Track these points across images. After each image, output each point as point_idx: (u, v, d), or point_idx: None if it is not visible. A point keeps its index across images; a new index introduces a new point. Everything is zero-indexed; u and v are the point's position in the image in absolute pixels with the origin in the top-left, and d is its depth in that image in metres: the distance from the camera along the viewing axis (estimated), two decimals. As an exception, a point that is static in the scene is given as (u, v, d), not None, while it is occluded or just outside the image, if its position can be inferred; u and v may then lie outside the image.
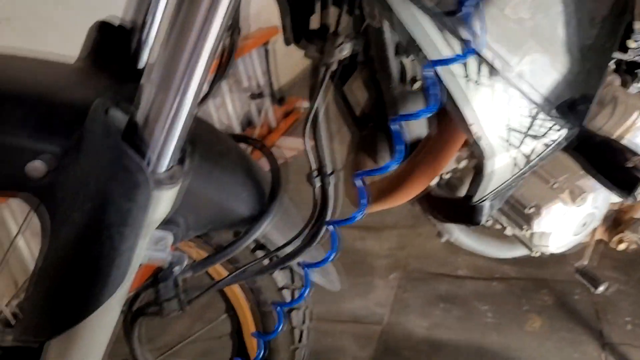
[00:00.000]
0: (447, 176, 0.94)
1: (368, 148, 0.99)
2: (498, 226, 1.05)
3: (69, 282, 0.54)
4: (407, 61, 0.81)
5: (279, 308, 0.71)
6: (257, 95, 2.71)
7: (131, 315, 0.63)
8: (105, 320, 0.59)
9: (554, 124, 0.63)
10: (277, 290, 0.77)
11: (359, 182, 0.63)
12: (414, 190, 0.85)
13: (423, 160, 0.82)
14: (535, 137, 0.64)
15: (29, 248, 1.33)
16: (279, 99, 2.91)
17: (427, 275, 1.65)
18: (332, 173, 0.63)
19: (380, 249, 1.81)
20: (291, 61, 3.41)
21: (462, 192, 0.90)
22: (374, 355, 1.37)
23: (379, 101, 0.90)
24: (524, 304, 1.47)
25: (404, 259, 1.73)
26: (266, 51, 2.95)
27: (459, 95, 0.61)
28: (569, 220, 0.91)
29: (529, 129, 0.63)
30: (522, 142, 0.64)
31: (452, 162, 0.90)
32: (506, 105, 0.64)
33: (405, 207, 2.03)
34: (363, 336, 1.44)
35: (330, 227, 0.64)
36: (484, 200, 0.76)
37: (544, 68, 0.65)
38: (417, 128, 0.88)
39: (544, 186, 0.89)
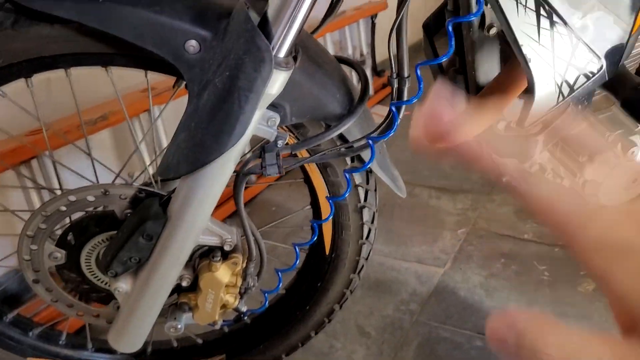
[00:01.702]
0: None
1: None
2: (559, 180, 1.16)
3: (205, 130, 0.74)
4: (487, 9, 0.95)
5: (348, 175, 0.88)
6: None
7: (241, 175, 0.83)
8: (223, 169, 0.79)
9: (594, 57, 0.75)
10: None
11: (417, 70, 0.77)
12: (481, 123, 0.98)
13: (490, 97, 0.95)
14: (578, 67, 0.76)
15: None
16: (378, 71, 3.07)
17: (493, 234, 1.76)
18: (408, 76, 0.79)
19: (453, 208, 1.94)
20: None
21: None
22: (433, 291, 1.52)
23: (460, 46, 1.03)
24: (581, 269, 1.55)
25: (474, 219, 1.85)
26: (373, 24, 3.11)
27: (514, 21, 0.74)
28: (620, 173, 1.01)
29: (572, 58, 0.76)
30: (566, 71, 0.77)
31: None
32: (553, 35, 0.76)
33: (482, 175, 2.14)
34: (424, 275, 1.59)
35: (393, 109, 0.80)
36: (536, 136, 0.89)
37: (601, 21, 0.77)
38: (488, 73, 1.01)
39: (599, 138, 1.00)
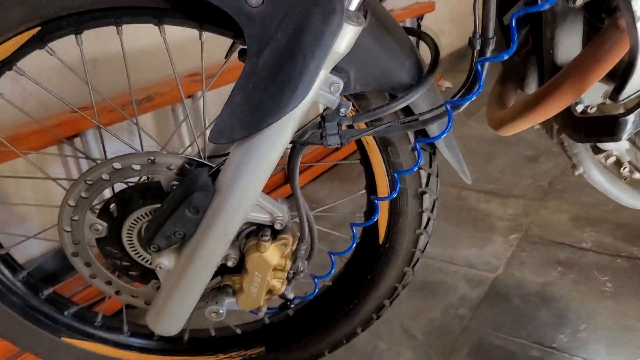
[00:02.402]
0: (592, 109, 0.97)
1: (516, 75, 1.05)
2: (637, 175, 1.06)
3: (264, 91, 0.68)
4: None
5: (419, 145, 0.81)
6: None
7: (298, 146, 0.76)
8: (281, 135, 0.73)
9: None
10: (411, 150, 0.87)
11: (512, 22, 0.70)
12: (558, 104, 0.90)
13: (571, 75, 0.87)
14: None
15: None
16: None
17: (548, 242, 1.65)
18: (492, 37, 0.71)
19: (504, 213, 1.84)
20: (440, 41, 3.46)
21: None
22: (484, 297, 1.42)
23: (536, 24, 0.96)
24: (648, 282, 1.44)
25: (527, 225, 1.75)
26: (419, 25, 3.05)
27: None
28: None
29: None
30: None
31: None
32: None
33: (534, 180, 2.02)
34: (475, 279, 1.50)
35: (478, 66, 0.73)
36: (628, 114, 0.80)
37: None
38: (569, 51, 0.93)
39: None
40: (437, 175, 0.94)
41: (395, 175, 0.82)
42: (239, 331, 1.14)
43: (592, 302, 1.39)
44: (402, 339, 1.29)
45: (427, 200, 0.93)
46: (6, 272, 1.01)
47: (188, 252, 0.83)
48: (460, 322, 1.34)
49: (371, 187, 0.94)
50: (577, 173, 1.08)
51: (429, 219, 0.96)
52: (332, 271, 0.91)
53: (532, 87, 1.03)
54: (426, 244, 0.99)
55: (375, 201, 0.87)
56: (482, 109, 2.77)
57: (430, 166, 0.91)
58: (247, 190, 0.78)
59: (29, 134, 1.17)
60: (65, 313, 1.07)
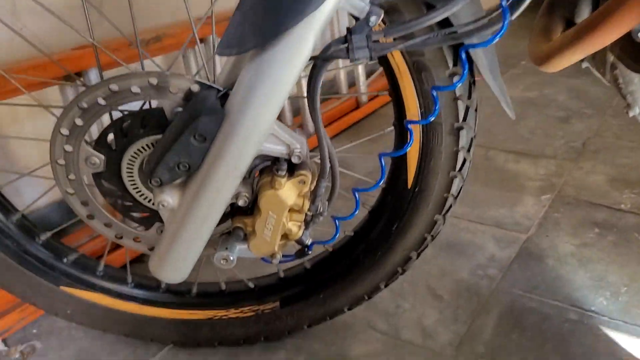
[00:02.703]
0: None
1: (566, 1, 0.93)
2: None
3: (281, -12, 0.57)
4: None
5: (464, 54, 0.70)
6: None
7: (320, 61, 0.66)
8: (300, 45, 0.62)
9: None
10: (448, 77, 0.76)
11: None
12: (617, 28, 0.78)
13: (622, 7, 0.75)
14: None
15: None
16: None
17: (583, 202, 1.54)
18: None
19: (535, 173, 1.72)
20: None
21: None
22: (515, 258, 1.32)
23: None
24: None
25: (560, 185, 1.63)
26: None
27: None
28: None
29: None
30: None
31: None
32: None
33: (566, 141, 1.90)
34: (504, 240, 1.39)
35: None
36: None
37: None
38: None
39: None
40: (475, 110, 0.83)
41: (434, 92, 0.71)
42: (251, 285, 1.05)
43: (634, 265, 1.28)
44: (427, 299, 1.20)
45: (463, 138, 0.82)
46: (-1, 212, 0.93)
47: (194, 188, 0.74)
48: (490, 282, 1.24)
49: (400, 121, 0.84)
50: (631, 114, 0.96)
51: (464, 160, 0.85)
52: (356, 212, 0.80)
53: (584, 13, 0.91)
54: (460, 189, 0.89)
55: (409, 125, 0.76)
56: (509, 71, 2.63)
57: (469, 97, 0.80)
58: (261, 114, 0.68)
59: (28, 68, 1.08)
60: (65, 260, 0.99)
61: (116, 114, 0.78)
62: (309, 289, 1.02)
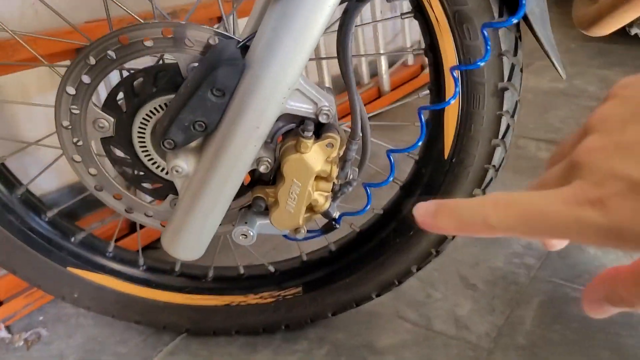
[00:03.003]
0: None
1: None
2: None
3: None
4: None
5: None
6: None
7: (354, 2, 0.58)
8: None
9: None
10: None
11: None
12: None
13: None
14: None
15: None
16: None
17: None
18: None
19: (569, 161, 1.63)
20: None
21: None
22: (551, 247, 1.23)
23: None
24: None
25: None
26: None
27: None
28: None
29: None
30: None
31: None
32: None
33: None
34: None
35: None
36: None
37: None
38: None
39: None
40: (521, 70, 0.75)
41: (484, 31, 0.63)
42: (272, 269, 0.97)
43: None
44: (460, 288, 1.11)
45: (508, 100, 0.74)
46: (0, 186, 0.86)
47: (211, 151, 0.67)
48: (527, 271, 1.15)
49: (438, 82, 0.76)
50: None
51: (508, 126, 0.77)
52: (392, 176, 0.72)
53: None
54: (502, 161, 0.80)
55: (454, 72, 0.68)
56: (535, 63, 2.53)
57: (515, 54, 0.72)
58: (286, 63, 0.60)
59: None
60: (72, 239, 0.93)
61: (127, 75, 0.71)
62: (334, 273, 0.94)
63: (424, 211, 0.30)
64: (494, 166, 0.79)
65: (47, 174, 0.93)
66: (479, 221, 0.28)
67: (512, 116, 0.76)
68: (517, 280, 1.12)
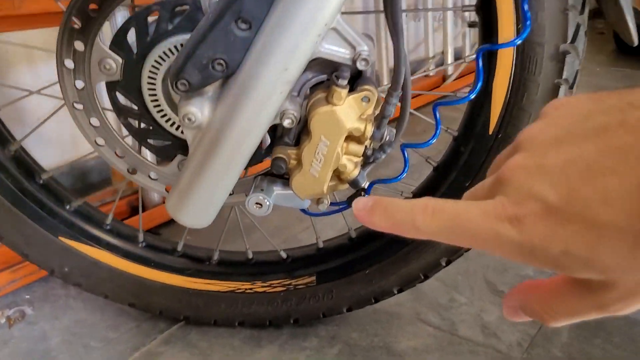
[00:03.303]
0: None
1: None
2: None
3: None
4: None
5: None
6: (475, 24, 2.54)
7: None
8: None
9: None
10: None
11: None
12: None
13: None
14: None
15: None
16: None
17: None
18: None
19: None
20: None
21: None
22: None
23: None
24: None
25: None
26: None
27: None
28: None
29: None
30: None
31: None
32: None
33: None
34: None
35: None
36: None
37: None
38: None
39: None
40: (585, 33, 0.66)
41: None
42: (284, 255, 0.88)
43: None
44: (487, 294, 1.01)
45: (569, 66, 0.65)
46: (-8, 139, 0.78)
47: (230, 96, 0.58)
48: (559, 281, 1.05)
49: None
50: None
51: (565, 99, 0.68)
52: (438, 133, 0.63)
53: None
54: (554, 140, 0.71)
55: (525, 5, 0.58)
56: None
57: (582, 11, 0.64)
58: (324, -6, 0.52)
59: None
60: (67, 207, 0.84)
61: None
62: (353, 263, 0.85)
63: (362, 205, 0.32)
64: (544, 145, 0.70)
65: (46, 149, 0.85)
66: (408, 223, 0.30)
67: (571, 87, 0.67)
68: (549, 289, 1.02)
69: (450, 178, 0.76)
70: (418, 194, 0.81)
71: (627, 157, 0.24)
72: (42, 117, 0.82)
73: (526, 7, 0.57)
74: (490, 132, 0.71)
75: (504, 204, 0.27)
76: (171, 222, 1.24)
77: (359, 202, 0.33)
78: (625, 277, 0.27)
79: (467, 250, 0.81)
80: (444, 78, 2.24)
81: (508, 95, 0.68)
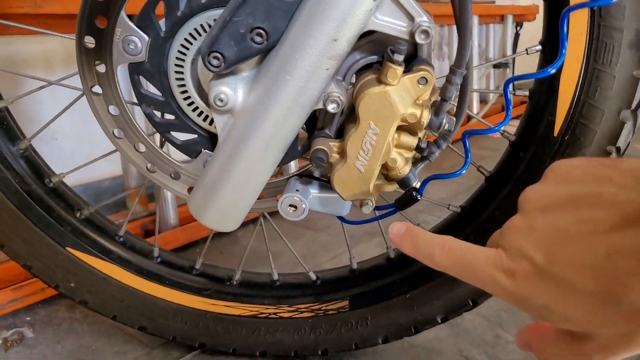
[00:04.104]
0: None
1: None
2: None
3: None
4: None
5: None
6: (502, 65, 2.50)
7: None
8: None
9: None
10: None
11: None
12: None
13: None
14: None
15: None
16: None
17: None
18: None
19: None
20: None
21: None
22: None
23: None
24: None
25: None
26: (517, 34, 2.74)
27: None
28: None
29: None
30: None
31: None
32: None
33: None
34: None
35: None
36: None
37: None
38: None
39: None
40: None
41: None
42: (313, 276, 0.79)
43: None
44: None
45: (650, 55, 0.58)
46: (1, 135, 0.71)
47: (270, 72, 0.51)
48: (616, 320, 0.94)
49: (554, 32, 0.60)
50: None
51: (643, 96, 0.60)
52: (509, 110, 0.55)
53: None
54: (629, 144, 0.63)
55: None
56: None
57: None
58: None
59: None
60: (77, 214, 0.76)
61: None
62: (392, 286, 0.76)
63: (396, 230, 0.40)
64: (617, 149, 0.62)
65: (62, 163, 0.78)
66: (427, 255, 0.37)
67: (651, 81, 0.60)
68: (607, 328, 0.91)
69: (506, 189, 0.68)
70: (467, 208, 0.72)
71: (597, 229, 0.28)
72: (58, 132, 0.75)
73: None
74: (556, 134, 0.63)
75: (502, 256, 0.33)
76: (187, 246, 1.16)
77: (395, 227, 0.40)
78: (601, 331, 0.30)
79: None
80: (469, 118, 2.18)
81: (578, 90, 0.60)
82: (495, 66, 2.51)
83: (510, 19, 2.50)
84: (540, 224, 0.31)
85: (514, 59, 2.64)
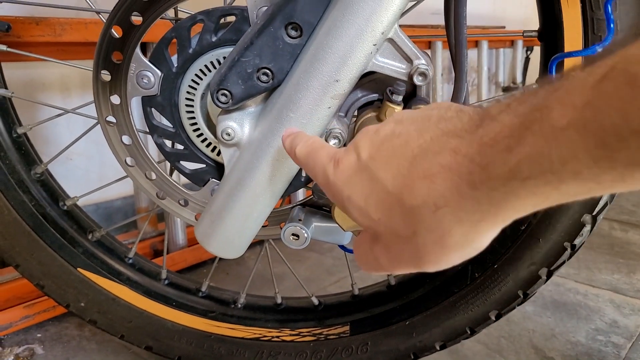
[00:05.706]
0: None
1: None
2: None
3: None
4: None
5: None
6: (511, 89, 2.52)
7: None
8: None
9: None
10: None
11: None
12: None
13: None
14: None
15: None
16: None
17: None
18: None
19: (648, 243, 1.44)
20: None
21: None
22: (642, 327, 1.03)
23: None
24: None
25: (684, 258, 1.35)
26: (527, 58, 2.76)
27: None
28: None
29: None
30: None
31: None
32: None
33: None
34: (626, 306, 1.11)
35: None
36: None
37: None
38: None
39: None
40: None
41: None
42: (315, 301, 0.81)
43: None
44: (534, 359, 0.92)
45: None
46: (18, 158, 0.74)
47: (274, 110, 0.54)
48: (616, 350, 0.95)
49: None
50: None
51: None
52: None
53: None
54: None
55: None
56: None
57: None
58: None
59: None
60: (89, 236, 0.79)
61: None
62: (392, 313, 0.77)
63: (289, 132, 0.47)
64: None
65: (73, 190, 0.81)
66: (290, 148, 0.44)
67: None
68: (604, 358, 0.92)
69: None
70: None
71: (422, 139, 0.31)
72: (73, 152, 0.79)
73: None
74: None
75: (340, 151, 0.36)
76: (195, 267, 1.18)
77: (288, 129, 0.48)
78: (386, 232, 0.33)
79: (520, 303, 0.73)
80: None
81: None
82: (505, 89, 2.53)
83: (520, 44, 2.53)
84: (385, 130, 0.34)
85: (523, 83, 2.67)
